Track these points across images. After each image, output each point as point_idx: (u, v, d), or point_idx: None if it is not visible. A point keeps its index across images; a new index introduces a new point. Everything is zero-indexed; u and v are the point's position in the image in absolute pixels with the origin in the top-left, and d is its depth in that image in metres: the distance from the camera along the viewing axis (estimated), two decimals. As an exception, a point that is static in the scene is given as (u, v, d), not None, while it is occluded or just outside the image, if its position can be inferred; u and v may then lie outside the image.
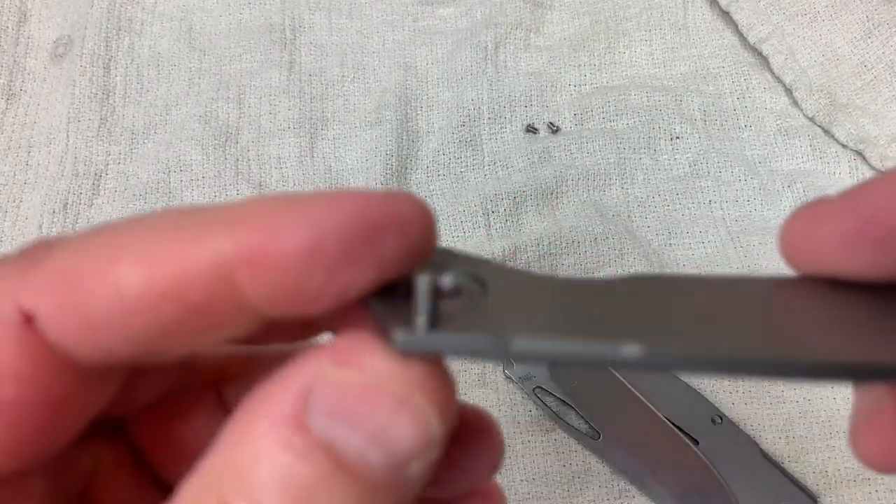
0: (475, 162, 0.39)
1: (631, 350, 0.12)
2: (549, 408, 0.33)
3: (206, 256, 0.12)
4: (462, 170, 0.38)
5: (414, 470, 0.12)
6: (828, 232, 0.15)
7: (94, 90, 0.40)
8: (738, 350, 0.13)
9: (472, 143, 0.39)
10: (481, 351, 0.13)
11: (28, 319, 0.13)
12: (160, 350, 0.13)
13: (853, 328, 0.14)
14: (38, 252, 0.13)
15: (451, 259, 0.15)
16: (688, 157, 0.38)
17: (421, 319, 0.13)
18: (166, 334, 0.13)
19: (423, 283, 0.13)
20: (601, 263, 0.36)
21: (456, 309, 0.14)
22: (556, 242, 0.36)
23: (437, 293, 0.13)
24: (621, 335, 0.12)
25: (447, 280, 0.14)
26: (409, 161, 0.39)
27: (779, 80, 0.39)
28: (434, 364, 0.13)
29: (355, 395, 0.12)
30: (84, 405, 0.14)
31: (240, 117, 0.40)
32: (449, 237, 0.37)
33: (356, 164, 0.39)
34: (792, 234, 0.16)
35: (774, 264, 0.35)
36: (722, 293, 0.15)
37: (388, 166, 0.38)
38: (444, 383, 0.13)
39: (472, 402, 0.33)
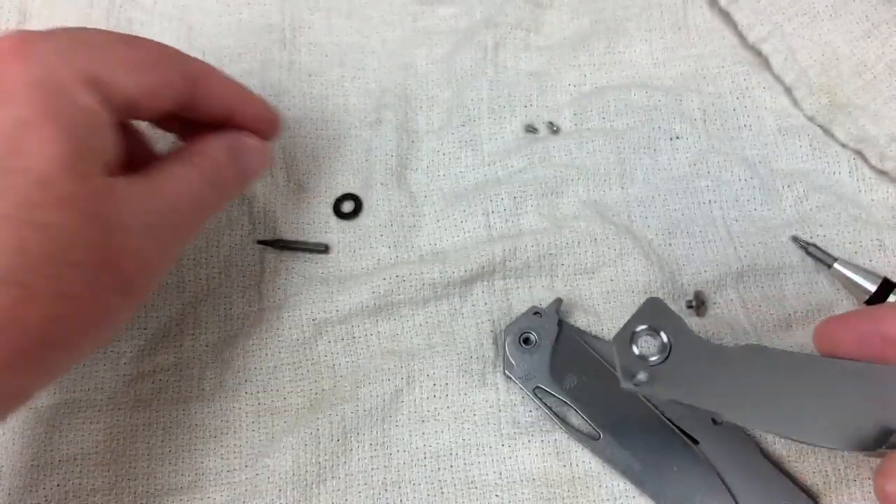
0: (475, 162, 0.39)
1: (719, 417, 0.27)
2: (550, 408, 0.33)
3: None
4: (462, 170, 0.39)
5: (251, 171, 0.33)
6: (848, 335, 0.25)
7: (93, 91, 0.40)
8: (770, 427, 0.26)
9: (472, 143, 0.39)
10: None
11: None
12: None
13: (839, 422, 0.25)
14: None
15: (660, 316, 0.28)
16: (688, 157, 0.38)
17: (640, 377, 0.27)
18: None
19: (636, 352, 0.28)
20: (600, 263, 0.36)
21: (654, 366, 0.27)
22: (556, 242, 0.36)
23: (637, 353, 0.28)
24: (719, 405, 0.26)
25: (650, 345, 0.28)
26: (408, 161, 0.39)
27: (779, 79, 0.39)
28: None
29: (257, 150, 0.33)
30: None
31: (239, 117, 0.39)
32: (449, 238, 0.37)
33: (356, 164, 0.39)
34: (823, 335, 0.26)
35: (774, 263, 0.36)
36: (806, 371, 0.26)
37: (388, 166, 0.38)
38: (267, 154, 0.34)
39: (473, 402, 0.34)
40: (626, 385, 0.27)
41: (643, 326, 0.28)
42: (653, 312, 0.28)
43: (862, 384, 0.25)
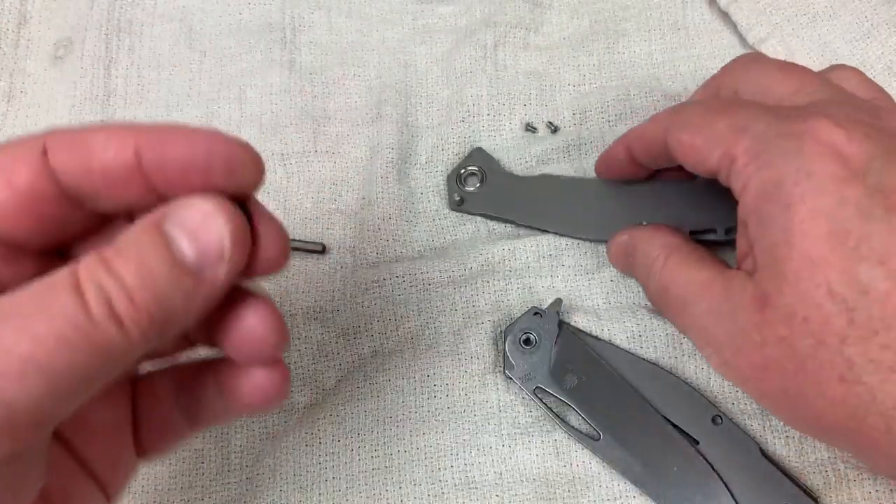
0: (475, 161, 0.39)
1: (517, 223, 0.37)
2: (550, 408, 0.33)
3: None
4: (462, 169, 0.39)
5: (213, 273, 0.19)
6: (604, 161, 0.35)
7: (94, 92, 0.40)
8: (549, 226, 0.36)
9: (471, 140, 0.39)
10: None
11: (44, 152, 0.19)
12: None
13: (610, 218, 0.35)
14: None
15: (481, 159, 0.38)
16: (687, 158, 0.38)
17: (455, 198, 0.37)
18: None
19: (453, 176, 0.38)
20: (600, 263, 0.36)
21: (471, 192, 0.37)
22: (556, 243, 0.36)
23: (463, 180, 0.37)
24: (521, 215, 0.37)
25: (468, 170, 0.38)
26: (408, 156, 0.39)
27: (778, 79, 0.39)
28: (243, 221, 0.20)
29: (196, 217, 0.19)
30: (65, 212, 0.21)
31: (241, 116, 0.40)
32: (449, 235, 0.37)
33: (358, 159, 0.39)
34: (599, 163, 0.35)
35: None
36: (582, 190, 0.36)
37: (390, 161, 0.38)
38: (244, 229, 0.20)
39: (473, 402, 0.34)
40: (451, 207, 0.37)
41: (471, 168, 0.37)
42: (477, 157, 0.38)
43: (617, 196, 0.35)
